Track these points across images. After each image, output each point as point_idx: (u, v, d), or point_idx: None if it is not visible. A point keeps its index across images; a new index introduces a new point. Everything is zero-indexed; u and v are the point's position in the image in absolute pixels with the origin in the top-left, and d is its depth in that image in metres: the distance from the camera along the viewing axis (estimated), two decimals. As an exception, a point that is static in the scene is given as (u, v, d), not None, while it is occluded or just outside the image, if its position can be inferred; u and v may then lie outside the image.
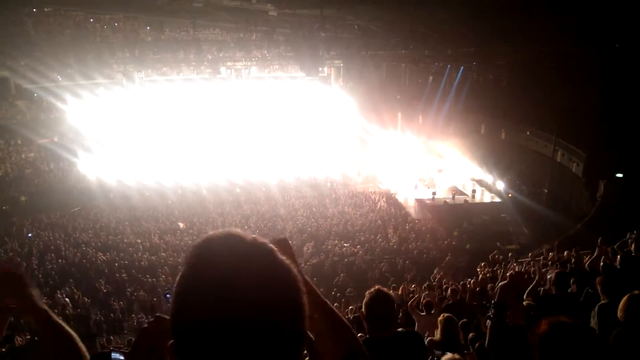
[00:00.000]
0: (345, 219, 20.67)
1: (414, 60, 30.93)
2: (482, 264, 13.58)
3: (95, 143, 30.30)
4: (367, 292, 2.81)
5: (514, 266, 11.92)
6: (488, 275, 11.84)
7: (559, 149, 22.35)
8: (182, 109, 33.87)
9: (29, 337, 11.14)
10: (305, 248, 17.01)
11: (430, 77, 33.12)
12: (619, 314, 3.05)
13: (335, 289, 13.65)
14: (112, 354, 2.45)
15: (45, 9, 32.52)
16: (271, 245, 0.77)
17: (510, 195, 23.55)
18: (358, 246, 17.31)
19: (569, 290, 5.04)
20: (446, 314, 4.78)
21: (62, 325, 1.58)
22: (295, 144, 31.21)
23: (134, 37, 35.97)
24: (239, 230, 0.77)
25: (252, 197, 24.21)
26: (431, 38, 27.32)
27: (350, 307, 10.43)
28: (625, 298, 3.07)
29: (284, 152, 30.07)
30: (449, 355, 2.94)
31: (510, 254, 13.75)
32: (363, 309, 2.78)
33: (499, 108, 25.80)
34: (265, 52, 36.39)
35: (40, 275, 15.00)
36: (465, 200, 24.11)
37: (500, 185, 24.66)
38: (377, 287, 2.86)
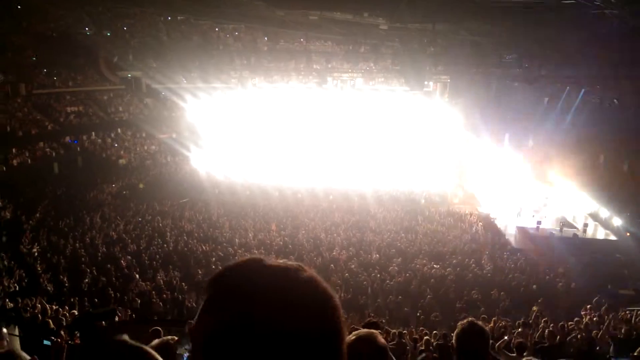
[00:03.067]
0: (437, 239, 19.93)
1: (527, 80, 29.08)
2: (588, 306, 12.26)
3: (208, 141, 32.82)
4: (459, 323, 2.66)
5: (626, 314, 10.60)
6: (594, 319, 10.67)
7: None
8: (288, 115, 35.43)
9: (128, 314, 12.23)
10: (392, 264, 16.69)
11: (546, 99, 30.89)
12: None
13: (420, 311, 13.18)
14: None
15: (179, 17, 35.96)
16: (329, 293, 0.74)
17: (628, 234, 21.00)
18: (449, 269, 16.56)
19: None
20: None
21: None
22: (395, 156, 30.95)
23: (252, 46, 38.43)
24: (291, 264, 0.75)
25: (345, 205, 24.37)
26: (550, 58, 25.52)
27: (434, 332, 10.00)
28: None
29: (383, 163, 29.95)
30: None
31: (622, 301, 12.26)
32: (454, 341, 2.65)
33: (623, 136, 23.22)
34: (372, 64, 36.68)
35: (145, 257, 16.44)
36: (575, 234, 21.97)
37: (618, 221, 22.10)
38: (470, 319, 2.71)
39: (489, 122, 30.32)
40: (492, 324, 10.25)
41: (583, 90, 27.34)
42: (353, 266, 16.23)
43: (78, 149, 29.02)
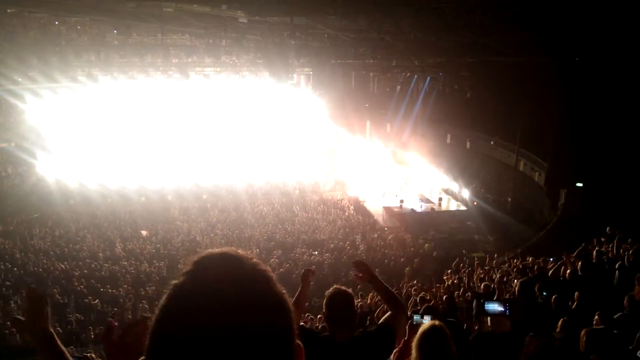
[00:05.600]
0: (314, 227, 20.58)
1: (381, 70, 31.35)
2: (449, 271, 13.74)
3: (56, 145, 29.24)
4: (325, 292, 2.79)
5: (479, 273, 12.10)
6: (455, 282, 11.98)
7: (521, 159, 22.97)
8: (148, 112, 33.10)
9: None
10: (272, 257, 16.78)
11: (398, 87, 33.67)
12: (581, 347, 3.15)
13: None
14: None
15: (8, 10, 31.33)
16: (269, 273, 0.75)
17: (475, 203, 24.05)
18: (326, 254, 17.22)
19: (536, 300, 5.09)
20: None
21: (64, 351, 1.73)
22: (265, 149, 31.02)
23: (100, 40, 35.10)
24: (239, 251, 0.77)
25: (219, 204, 23.81)
26: (398, 48, 27.74)
27: (319, 316, 10.32)
28: (582, 333, 3.17)
29: (253, 157, 29.81)
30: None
31: (475, 262, 13.97)
32: (324, 309, 2.76)
33: (464, 118, 26.40)
34: (235, 58, 36.11)
35: (-8, 286, 14.23)
36: (432, 209, 24.45)
37: (466, 193, 25.16)
38: (335, 286, 2.84)
39: (351, 111, 32.03)
40: (369, 300, 10.92)
41: (428, 78, 30.35)
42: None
43: None
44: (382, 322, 2.94)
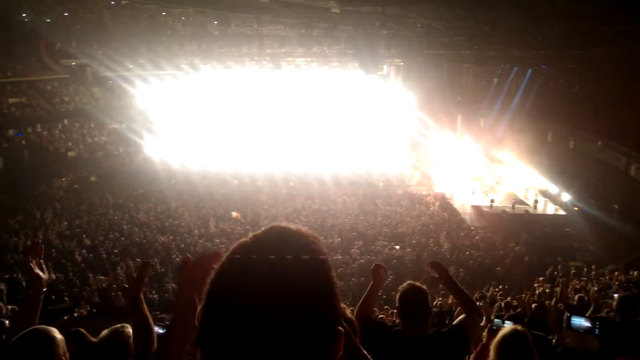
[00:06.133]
0: (397, 221, 20.38)
1: (477, 61, 29.90)
2: (540, 279, 12.94)
3: (162, 128, 31.83)
4: (400, 287, 2.80)
5: (575, 284, 11.27)
6: (547, 291, 11.27)
7: (633, 163, 20.81)
8: (244, 101, 34.82)
9: (87, 309, 11.91)
10: (353, 247, 16.94)
11: (495, 79, 31.93)
12: None
13: (381, 291, 13.45)
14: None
15: (122, 2, 34.32)
16: (313, 237, 0.77)
17: (576, 208, 22.21)
18: (408, 249, 17.01)
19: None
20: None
21: (149, 317, 2.01)
22: (352, 140, 31.16)
23: (202, 31, 37.29)
24: (285, 224, 0.78)
25: (305, 191, 24.43)
26: (497, 38, 26.26)
27: (394, 311, 10.28)
28: None
29: (340, 147, 30.11)
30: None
31: (572, 271, 13.01)
32: (397, 304, 2.77)
33: (569, 115, 24.38)
34: (326, 48, 36.49)
35: (102, 251, 15.93)
36: (526, 211, 23.00)
37: (566, 197, 23.30)
38: (409, 281, 2.85)
39: (442, 104, 31.03)
40: (450, 300, 10.64)
41: (530, 70, 28.43)
42: (315, 250, 16.34)
43: (23, 142, 27.52)
44: (456, 323, 2.89)
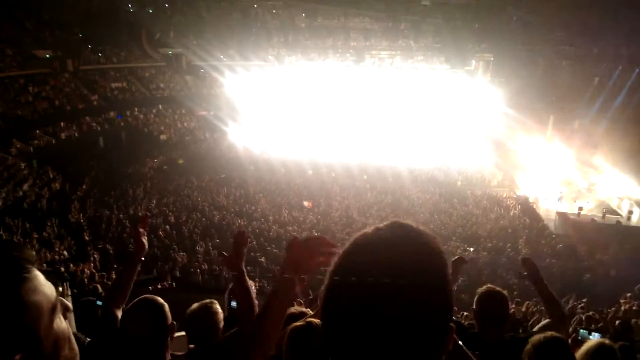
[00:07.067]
0: (472, 222, 19.65)
1: (578, 58, 27.73)
2: (628, 294, 11.90)
3: (246, 117, 33.24)
4: (478, 289, 2.81)
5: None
6: (634, 308, 10.36)
7: None
8: (325, 93, 35.28)
9: (169, 283, 12.82)
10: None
11: (597, 79, 29.41)
12: None
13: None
14: None
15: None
16: (433, 237, 0.78)
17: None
18: (483, 252, 16.37)
19: None
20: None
21: (250, 288, 2.07)
22: (433, 136, 30.41)
23: (290, 23, 38.27)
24: (406, 221, 0.80)
25: (379, 185, 24.31)
26: (603, 35, 24.19)
27: (465, 314, 9.99)
28: None
29: (420, 143, 29.52)
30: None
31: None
32: (474, 306, 2.78)
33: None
34: (412, 42, 35.80)
35: (185, 230, 17.04)
36: (618, 221, 21.09)
37: (667, 209, 21.07)
38: (489, 285, 2.84)
39: (533, 102, 29.23)
40: (524, 308, 10.13)
41: (637, 69, 25.87)
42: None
43: (122, 124, 30.01)
44: (536, 329, 2.82)
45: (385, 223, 0.79)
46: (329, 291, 0.75)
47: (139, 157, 26.42)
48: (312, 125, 32.31)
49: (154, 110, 32.89)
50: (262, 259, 14.87)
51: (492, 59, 34.34)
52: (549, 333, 2.14)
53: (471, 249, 16.60)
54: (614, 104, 26.89)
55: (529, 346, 2.09)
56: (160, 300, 2.06)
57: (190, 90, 36.77)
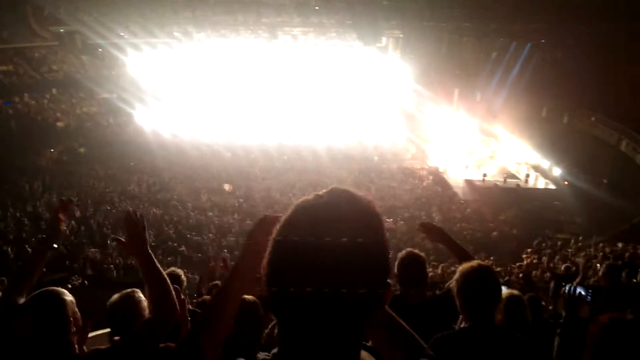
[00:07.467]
0: (390, 194, 20.44)
1: (477, 34, 29.44)
2: (529, 250, 13.13)
3: (154, 98, 31.32)
4: (398, 254, 2.88)
5: (562, 255, 11.43)
6: (534, 261, 11.46)
7: (624, 138, 20.86)
8: (238, 71, 34.25)
9: (80, 280, 11.94)
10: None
11: (494, 53, 31.52)
12: None
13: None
14: None
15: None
16: (370, 199, 0.82)
17: (566, 182, 22.36)
18: (401, 222, 17.12)
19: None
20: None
21: (161, 271, 1.89)
22: (347, 112, 30.90)
23: (196, -2, 36.34)
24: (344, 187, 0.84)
25: (299, 165, 24.34)
26: (498, 12, 25.81)
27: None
28: None
29: (335, 120, 29.87)
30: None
31: (559, 243, 13.20)
32: (395, 270, 2.83)
33: (565, 91, 24.25)
34: (324, 18, 35.74)
35: (94, 224, 15.87)
36: (518, 185, 23.16)
37: (557, 171, 23.43)
38: (408, 249, 2.93)
39: (440, 77, 30.71)
40: (440, 270, 10.77)
41: (529, 44, 28.08)
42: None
43: (10, 111, 27.00)
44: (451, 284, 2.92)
45: (324, 190, 0.82)
46: (273, 251, 0.78)
47: (33, 148, 23.97)
48: (226, 106, 31.30)
49: (48, 96, 29.89)
50: (183, 248, 14.31)
51: (401, 35, 35.34)
52: (474, 261, 2.21)
53: (390, 220, 17.27)
54: (510, 77, 29.08)
55: (457, 275, 2.16)
56: (63, 293, 1.92)
57: (87, 71, 33.83)
